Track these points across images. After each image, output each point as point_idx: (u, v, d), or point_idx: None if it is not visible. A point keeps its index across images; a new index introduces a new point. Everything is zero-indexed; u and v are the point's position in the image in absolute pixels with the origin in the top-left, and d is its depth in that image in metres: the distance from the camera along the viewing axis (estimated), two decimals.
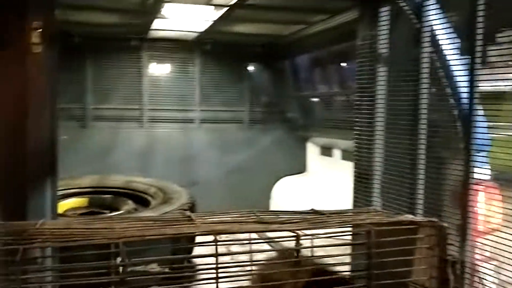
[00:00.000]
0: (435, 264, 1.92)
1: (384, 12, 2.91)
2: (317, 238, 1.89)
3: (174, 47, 5.63)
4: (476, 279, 2.18)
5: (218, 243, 1.75)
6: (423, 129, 2.63)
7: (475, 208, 2.23)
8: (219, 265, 1.71)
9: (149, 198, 3.88)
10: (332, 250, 1.96)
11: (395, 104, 2.84)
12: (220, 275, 1.69)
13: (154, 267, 1.98)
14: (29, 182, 2.74)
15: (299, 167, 5.91)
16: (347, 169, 3.29)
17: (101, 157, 5.19)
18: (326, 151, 5.56)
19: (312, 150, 5.89)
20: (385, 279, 1.88)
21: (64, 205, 3.93)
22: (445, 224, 1.97)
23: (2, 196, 2.72)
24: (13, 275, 1.57)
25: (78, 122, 5.32)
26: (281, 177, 5.80)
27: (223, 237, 2.38)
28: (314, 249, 1.94)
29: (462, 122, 2.38)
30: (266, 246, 2.11)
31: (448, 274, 1.89)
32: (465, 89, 2.36)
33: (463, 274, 2.17)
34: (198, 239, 1.79)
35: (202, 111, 5.73)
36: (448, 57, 2.54)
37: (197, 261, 2.66)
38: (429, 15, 2.60)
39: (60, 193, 3.98)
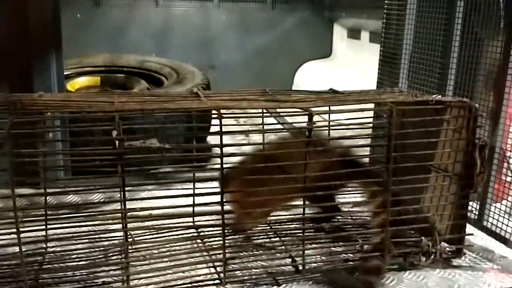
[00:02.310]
0: (462, 148, 1.79)
1: None
2: (332, 117, 1.75)
3: None
4: (505, 165, 2.04)
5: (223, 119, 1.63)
6: (460, 1, 2.34)
7: (511, 92, 2.02)
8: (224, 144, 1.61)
9: (163, 78, 3.75)
10: (349, 131, 1.83)
11: None
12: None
13: (154, 143, 1.89)
14: (33, 57, 2.64)
15: (325, 51, 5.62)
16: (376, 52, 3.05)
17: (115, 36, 4.99)
18: (354, 33, 5.23)
19: (338, 33, 5.56)
20: (405, 162, 1.77)
21: (75, 84, 3.84)
22: (476, 105, 1.80)
23: (7, 71, 2.65)
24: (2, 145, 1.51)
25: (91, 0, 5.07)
26: (304, 62, 5.57)
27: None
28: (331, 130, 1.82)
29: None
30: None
31: (475, 158, 1.76)
32: None
33: (491, 160, 2.03)
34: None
35: None
36: None
37: (210, 139, 2.58)
38: None
39: (72, 71, 3.89)
